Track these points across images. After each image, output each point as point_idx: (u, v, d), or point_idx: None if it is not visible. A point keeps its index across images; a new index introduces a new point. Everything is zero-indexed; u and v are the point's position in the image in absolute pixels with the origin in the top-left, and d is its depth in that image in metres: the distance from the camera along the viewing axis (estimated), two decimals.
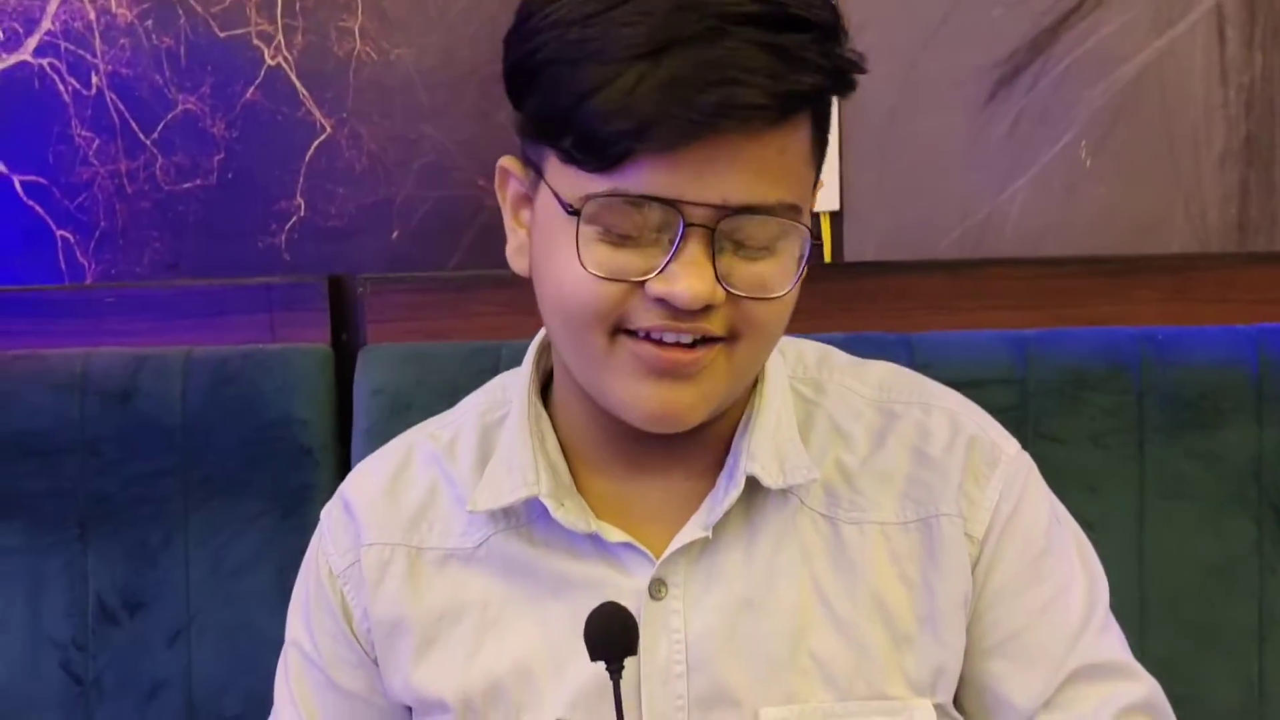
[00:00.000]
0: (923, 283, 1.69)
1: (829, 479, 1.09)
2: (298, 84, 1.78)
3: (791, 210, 0.96)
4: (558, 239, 0.97)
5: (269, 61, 1.78)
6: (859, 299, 1.69)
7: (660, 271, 0.94)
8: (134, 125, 1.80)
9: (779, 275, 0.97)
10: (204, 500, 1.67)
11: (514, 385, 1.13)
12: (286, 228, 1.81)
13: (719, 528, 1.05)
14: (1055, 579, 1.10)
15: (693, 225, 0.93)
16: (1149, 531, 1.58)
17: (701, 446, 1.06)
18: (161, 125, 1.80)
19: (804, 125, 0.97)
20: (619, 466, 1.08)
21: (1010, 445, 1.13)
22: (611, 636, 0.96)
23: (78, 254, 1.83)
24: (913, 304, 1.68)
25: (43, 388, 1.69)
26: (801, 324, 1.56)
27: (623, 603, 1.01)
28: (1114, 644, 1.12)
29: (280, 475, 1.65)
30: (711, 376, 0.99)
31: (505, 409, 1.13)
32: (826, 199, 1.72)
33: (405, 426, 1.22)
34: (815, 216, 1.78)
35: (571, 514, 1.06)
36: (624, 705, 0.98)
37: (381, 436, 1.56)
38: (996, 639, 1.09)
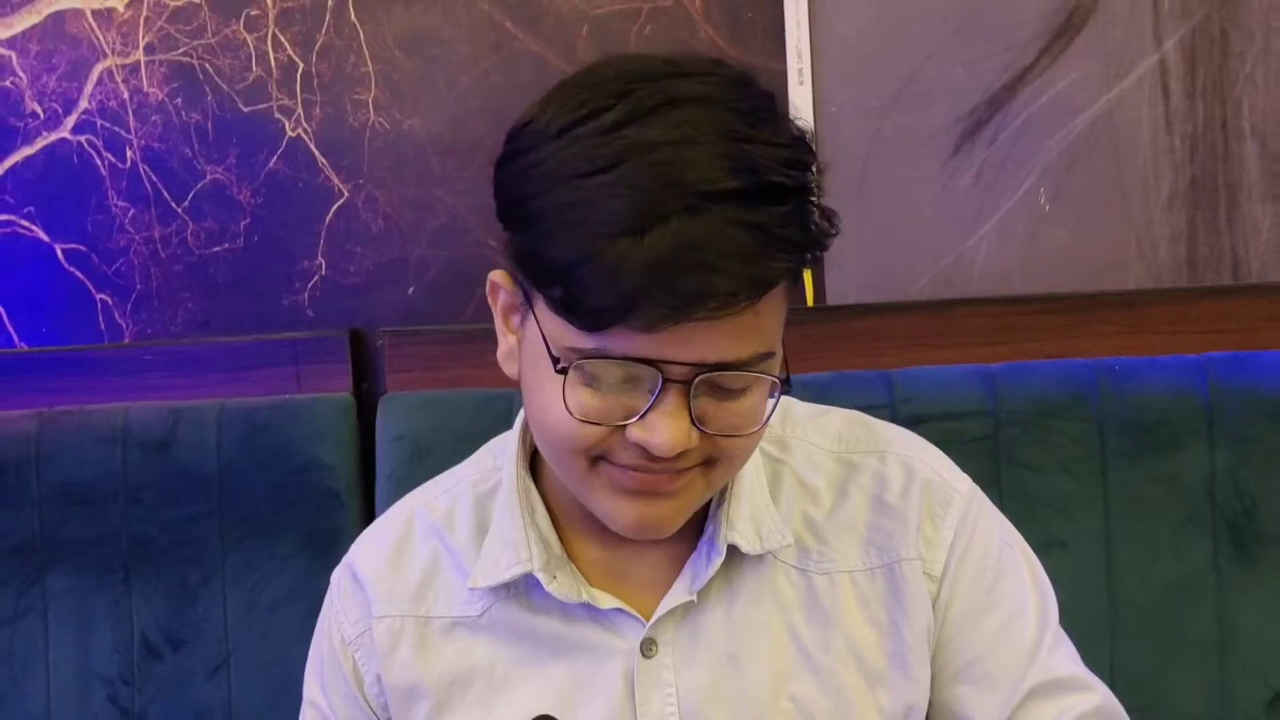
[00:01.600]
0: (899, 322, 1.70)
1: (798, 534, 1.09)
2: (317, 153, 1.81)
3: (765, 358, 0.95)
4: (543, 374, 0.96)
5: (290, 133, 1.81)
6: (840, 339, 1.70)
7: (640, 418, 0.93)
8: (166, 194, 1.83)
9: (752, 414, 0.97)
10: (239, 542, 1.69)
11: (503, 455, 1.13)
12: (309, 286, 1.83)
13: (703, 591, 1.06)
14: (1008, 603, 1.10)
15: (671, 381, 0.92)
16: (1115, 550, 1.59)
17: None
18: (191, 194, 1.82)
19: (781, 288, 0.95)
20: (606, 535, 1.06)
21: (962, 483, 1.13)
22: None
23: (116, 315, 1.85)
24: (890, 343, 1.69)
25: (87, 441, 1.71)
26: (788, 364, 1.60)
27: (617, 660, 1.06)
28: (1065, 659, 1.11)
29: (309, 517, 1.67)
30: (688, 493, 0.99)
31: (496, 478, 1.12)
32: None
33: (426, 470, 1.22)
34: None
35: (564, 586, 1.06)
36: None
37: (403, 480, 1.61)
38: (958, 666, 1.10)
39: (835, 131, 1.74)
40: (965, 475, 1.13)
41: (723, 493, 1.07)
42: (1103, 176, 1.73)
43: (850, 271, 1.75)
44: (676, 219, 0.88)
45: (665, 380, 0.92)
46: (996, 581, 1.10)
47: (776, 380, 0.96)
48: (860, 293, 1.76)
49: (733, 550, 1.05)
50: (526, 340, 0.99)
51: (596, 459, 0.97)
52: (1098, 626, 1.57)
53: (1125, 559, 1.59)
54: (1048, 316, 1.69)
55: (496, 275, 1.02)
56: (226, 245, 1.83)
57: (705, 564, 1.06)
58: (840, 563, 1.09)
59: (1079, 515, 1.59)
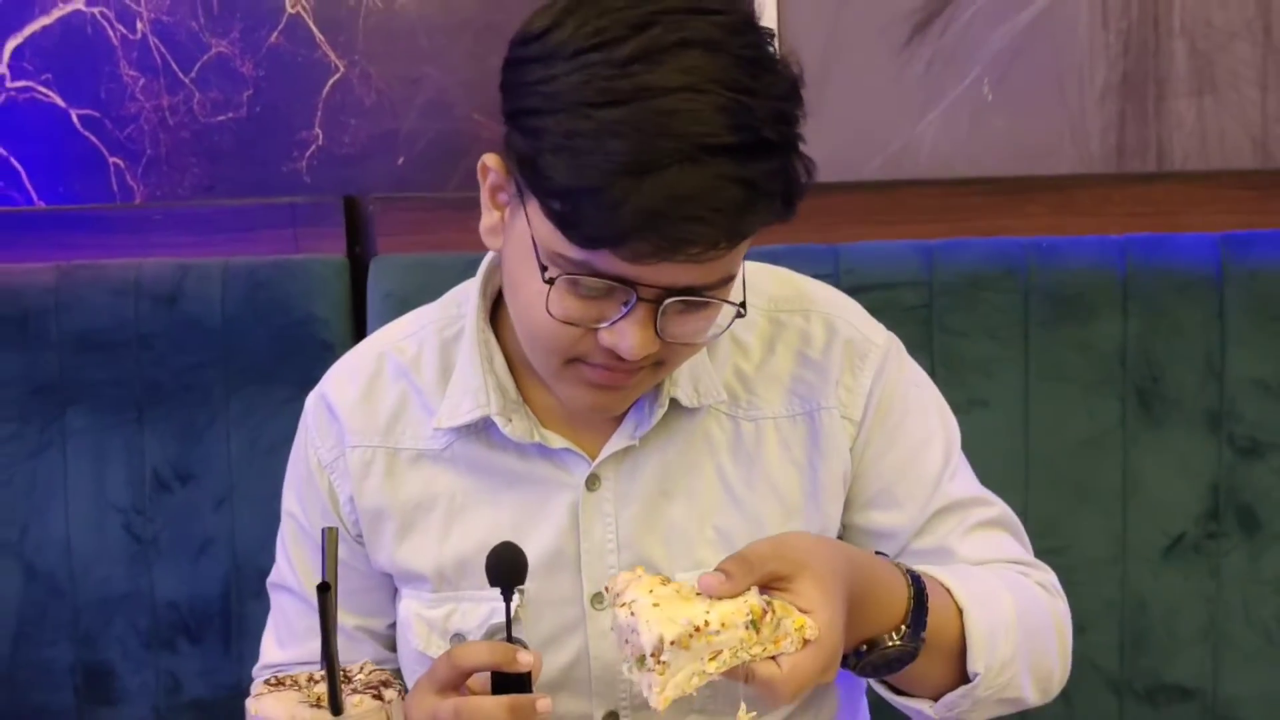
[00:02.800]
0: (849, 201, 1.76)
1: (730, 385, 1.18)
2: (315, 29, 1.85)
3: (726, 282, 1.02)
4: (530, 273, 1.01)
5: (290, 9, 1.85)
6: (796, 216, 1.77)
7: (612, 324, 1.00)
8: (174, 65, 1.87)
9: (706, 329, 1.05)
10: (241, 388, 1.76)
11: (466, 304, 1.18)
12: (307, 155, 1.88)
13: (651, 433, 1.15)
14: (915, 437, 1.19)
15: (644, 300, 0.99)
16: (1033, 408, 1.67)
17: None
18: (198, 66, 1.87)
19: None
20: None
21: (879, 335, 1.21)
22: (505, 569, 1.05)
23: (127, 177, 1.90)
24: (840, 219, 1.74)
25: (102, 292, 1.76)
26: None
27: (565, 493, 1.15)
28: (967, 484, 1.21)
29: (305, 367, 1.67)
30: (640, 385, 1.09)
31: (459, 325, 1.19)
32: None
33: None
34: None
35: (518, 428, 1.15)
36: (576, 574, 1.13)
37: None
38: (870, 494, 1.19)
39: (796, 19, 1.79)
40: (882, 327, 1.22)
41: None
42: (1042, 69, 1.78)
43: (807, 152, 1.81)
44: (676, 168, 0.92)
45: (639, 298, 0.99)
46: (904, 418, 1.20)
47: (734, 304, 1.04)
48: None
49: (673, 402, 1.16)
50: (515, 231, 1.04)
51: (570, 361, 1.05)
52: (1015, 477, 1.67)
53: (1042, 417, 1.67)
54: (985, 198, 1.75)
55: (490, 159, 1.05)
56: (230, 115, 1.88)
57: (648, 414, 1.15)
58: (766, 410, 1.19)
59: (1002, 377, 1.66)
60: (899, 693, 1.12)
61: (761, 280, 1.21)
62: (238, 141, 1.89)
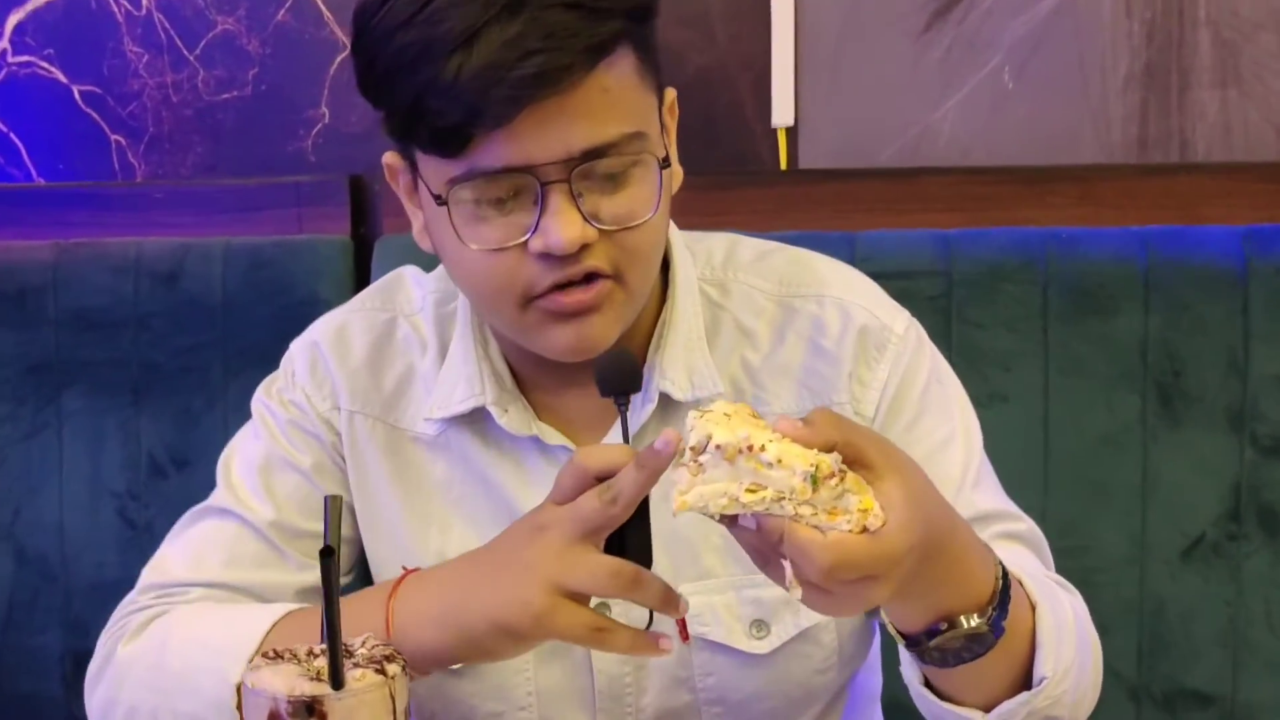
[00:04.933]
0: (865, 188, 1.73)
1: (736, 377, 1.10)
2: (322, 7, 1.83)
3: (635, 138, 0.97)
4: (442, 225, 0.99)
5: None
6: (809, 203, 1.73)
7: (535, 230, 0.95)
8: (179, 42, 1.85)
9: (640, 202, 0.98)
10: (241, 370, 1.72)
11: None
12: (312, 133, 1.86)
13: (639, 435, 1.06)
14: (933, 438, 1.09)
15: (549, 183, 0.94)
16: (1052, 404, 1.62)
17: None
18: (203, 43, 1.85)
19: (623, 58, 0.96)
20: (550, 381, 1.09)
21: (898, 322, 1.12)
22: (621, 375, 0.98)
23: (129, 155, 1.88)
24: (856, 207, 1.72)
25: (102, 270, 1.74)
26: (759, 223, 1.63)
27: None
28: (991, 495, 1.10)
29: None
30: (612, 305, 1.00)
31: (455, 303, 1.13)
32: (783, 115, 1.77)
33: None
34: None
35: (515, 420, 1.08)
36: None
37: None
38: None
39: (813, 1, 1.76)
40: (903, 312, 1.14)
41: (658, 338, 1.09)
42: (1064, 57, 1.75)
43: (822, 138, 1.78)
44: (497, 23, 0.91)
45: (543, 184, 0.95)
46: (921, 416, 1.11)
47: (656, 161, 0.99)
48: (830, 159, 1.79)
49: (666, 397, 1.08)
50: (426, 207, 1.02)
51: (526, 302, 0.99)
52: (1032, 474, 1.62)
53: (1060, 412, 1.62)
54: (1004, 187, 1.71)
55: (389, 157, 1.05)
56: (235, 93, 1.86)
57: (639, 411, 1.08)
58: (775, 405, 1.11)
59: (1021, 370, 1.62)
60: (943, 698, 0.97)
61: (773, 261, 1.15)
62: (242, 120, 1.87)
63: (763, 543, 0.83)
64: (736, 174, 1.77)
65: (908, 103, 1.78)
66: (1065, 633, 0.98)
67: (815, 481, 0.80)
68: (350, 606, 0.90)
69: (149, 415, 1.74)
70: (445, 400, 1.10)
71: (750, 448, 0.80)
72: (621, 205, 0.98)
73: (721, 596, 1.10)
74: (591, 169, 0.96)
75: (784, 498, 0.81)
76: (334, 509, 0.87)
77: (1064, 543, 1.33)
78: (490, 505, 1.11)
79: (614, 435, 1.07)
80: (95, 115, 1.88)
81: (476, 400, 1.09)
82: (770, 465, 0.80)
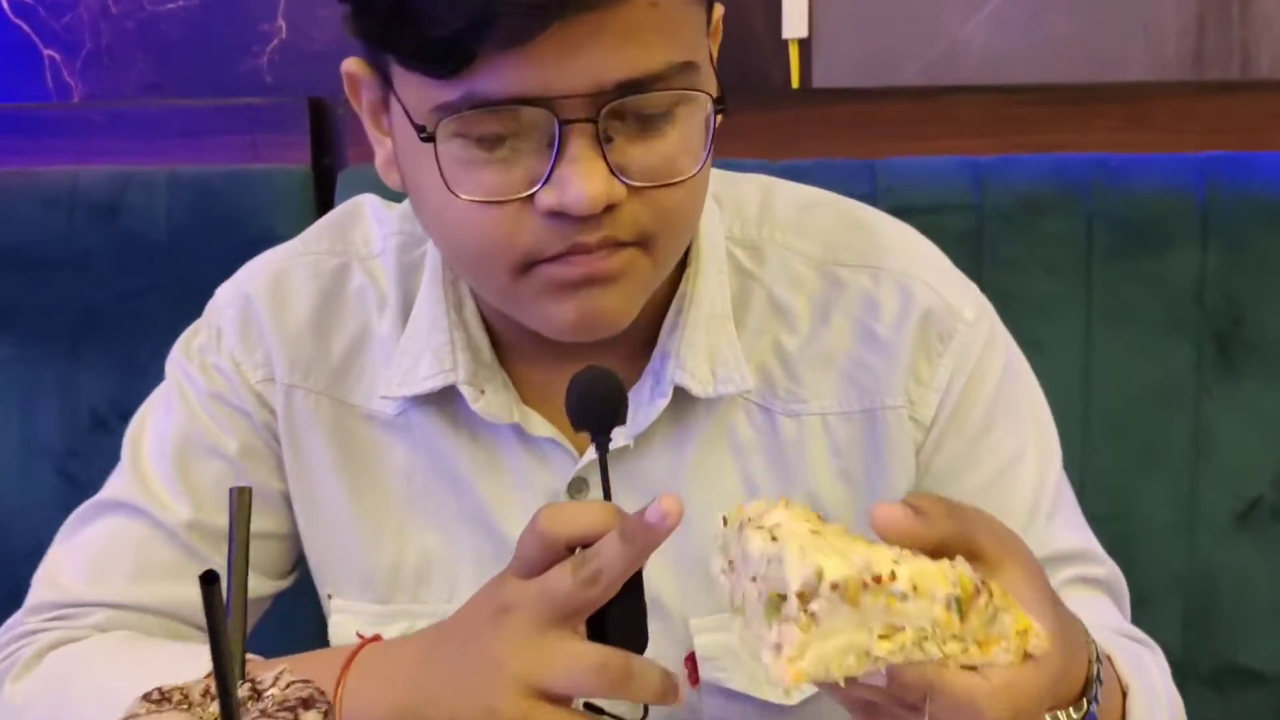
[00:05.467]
0: (886, 109, 1.64)
1: (766, 365, 0.93)
2: None
3: (684, 70, 0.78)
4: (421, 162, 0.80)
5: None
6: (824, 125, 1.63)
7: (546, 181, 0.77)
8: None
9: (684, 152, 0.80)
10: (190, 315, 1.56)
11: None
12: (268, 49, 1.75)
13: (646, 435, 0.91)
14: (1001, 453, 0.94)
15: (570, 122, 0.76)
16: (1094, 354, 1.55)
17: (629, 331, 0.87)
18: None
19: None
20: (541, 354, 0.91)
21: (969, 308, 0.95)
22: (600, 401, 0.79)
23: (64, 73, 1.78)
24: (876, 130, 1.62)
25: (33, 203, 1.65)
26: (767, 149, 1.54)
27: (541, 497, 0.90)
28: (1066, 531, 0.95)
29: None
30: (632, 277, 0.82)
31: (423, 248, 0.95)
32: (794, 25, 1.67)
33: None
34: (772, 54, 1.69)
35: (493, 404, 0.91)
36: None
37: None
38: None
39: None
40: (972, 290, 0.97)
41: (676, 313, 0.91)
42: None
43: (838, 53, 1.69)
44: None
45: (563, 123, 0.76)
46: (990, 427, 0.94)
47: (709, 100, 0.80)
48: (847, 76, 1.70)
49: (681, 391, 0.90)
50: (397, 131, 0.83)
51: (525, 267, 0.81)
52: (1070, 433, 1.49)
53: (1103, 363, 1.55)
54: (1043, 108, 1.63)
55: (350, 63, 0.86)
56: (182, 3, 1.76)
57: (646, 405, 0.90)
58: (813, 403, 0.93)
59: (1059, 317, 1.54)
60: None
61: (819, 218, 0.96)
62: (190, 34, 1.76)
63: (892, 698, 0.64)
64: (741, 93, 1.63)
65: (936, 12, 1.68)
66: (1161, 715, 0.82)
67: (960, 607, 0.62)
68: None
69: (89, 365, 1.65)
70: (406, 375, 0.92)
71: (876, 579, 0.61)
72: (659, 155, 0.79)
73: None
74: (625, 107, 0.77)
75: (927, 637, 0.62)
76: (242, 506, 0.71)
77: (1103, 509, 1.27)
78: (459, 506, 0.94)
79: (620, 434, 0.87)
80: (25, 27, 1.77)
81: (445, 378, 0.91)
82: (904, 596, 0.60)
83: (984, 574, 0.64)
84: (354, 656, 0.82)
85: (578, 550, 0.74)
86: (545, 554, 0.74)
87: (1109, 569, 0.96)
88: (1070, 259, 1.53)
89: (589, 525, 0.73)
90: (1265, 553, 1.54)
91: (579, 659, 0.74)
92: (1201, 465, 1.54)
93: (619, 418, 0.79)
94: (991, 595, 0.63)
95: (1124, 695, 0.80)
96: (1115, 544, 1.04)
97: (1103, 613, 0.92)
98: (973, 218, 1.52)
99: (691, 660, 0.91)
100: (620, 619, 0.75)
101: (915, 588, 0.61)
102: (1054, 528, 0.93)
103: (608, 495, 0.78)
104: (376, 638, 0.85)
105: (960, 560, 0.63)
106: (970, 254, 1.51)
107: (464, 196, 0.78)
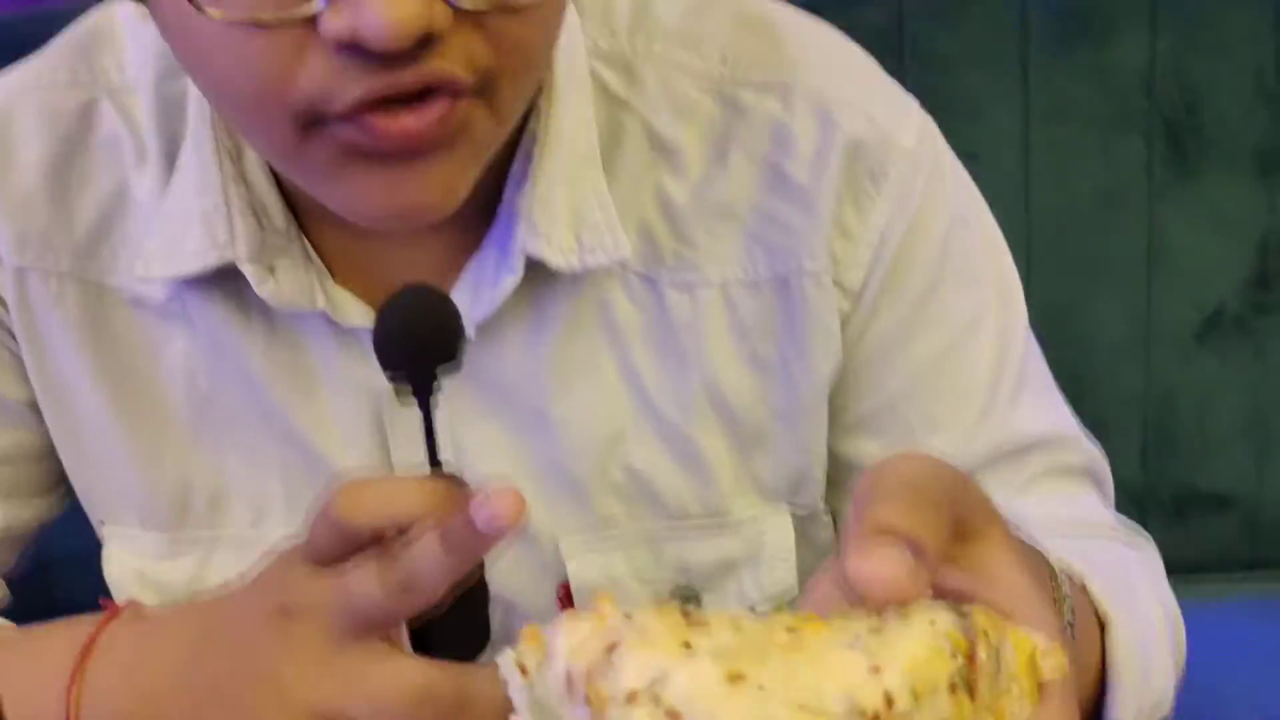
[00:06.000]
0: None
1: (646, 222, 0.74)
2: None
3: None
4: None
5: None
6: None
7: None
8: None
9: None
10: None
11: None
12: None
13: (490, 323, 0.73)
14: (954, 318, 0.77)
15: None
16: (1034, 158, 1.47)
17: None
18: None
19: None
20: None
21: (908, 132, 0.75)
22: (424, 335, 0.63)
23: None
24: None
25: None
26: None
27: (363, 400, 0.73)
28: (1033, 411, 0.79)
29: None
30: (469, 140, 0.62)
31: (186, 80, 0.73)
32: None
33: None
34: None
35: (287, 287, 0.71)
36: None
37: None
38: (865, 410, 0.78)
39: None
40: (917, 112, 0.77)
41: (525, 160, 0.71)
42: None
43: None
44: None
45: None
46: (936, 288, 0.77)
47: None
48: None
49: (534, 265, 0.72)
50: None
51: (310, 123, 0.60)
52: (1011, 247, 1.41)
53: (1044, 168, 1.48)
54: None
55: None
56: None
57: (491, 284, 0.72)
58: (709, 271, 0.75)
59: (994, 119, 1.46)
60: None
61: (712, 21, 0.75)
62: None
63: None
64: None
65: None
66: (1152, 657, 0.67)
67: (966, 680, 0.45)
68: (15, 657, 0.62)
69: None
70: (170, 249, 0.72)
71: (876, 718, 0.43)
72: None
73: (626, 556, 0.77)
74: None
75: None
76: None
77: (1053, 333, 1.10)
78: (258, 413, 0.75)
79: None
80: None
81: (219, 254, 0.71)
82: (907, 716, 0.42)
83: (959, 550, 0.47)
84: (94, 640, 0.63)
85: (387, 540, 0.55)
86: (342, 544, 0.56)
87: (1090, 453, 0.81)
88: (1004, 53, 1.44)
89: (398, 512, 0.55)
90: (1228, 367, 1.51)
91: (391, 683, 0.56)
92: (1156, 274, 1.50)
93: (449, 355, 0.62)
94: (986, 636, 0.46)
95: (1103, 629, 0.65)
96: (1065, 367, 0.89)
97: (1080, 507, 0.78)
98: (892, 10, 1.43)
99: (565, 591, 0.75)
100: (451, 613, 0.57)
101: (916, 691, 0.43)
102: (1019, 409, 0.77)
103: (434, 460, 0.62)
104: (120, 609, 0.65)
105: (937, 604, 0.46)
106: (889, 53, 1.36)
107: (212, 12, 0.57)
